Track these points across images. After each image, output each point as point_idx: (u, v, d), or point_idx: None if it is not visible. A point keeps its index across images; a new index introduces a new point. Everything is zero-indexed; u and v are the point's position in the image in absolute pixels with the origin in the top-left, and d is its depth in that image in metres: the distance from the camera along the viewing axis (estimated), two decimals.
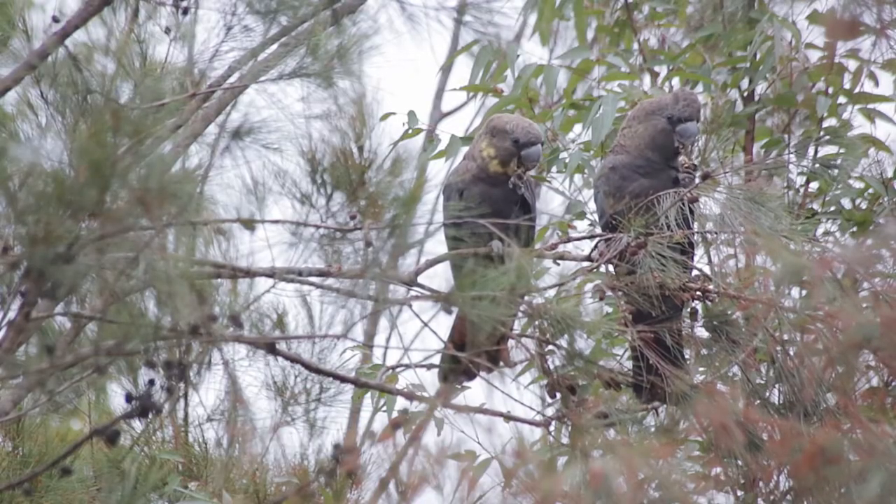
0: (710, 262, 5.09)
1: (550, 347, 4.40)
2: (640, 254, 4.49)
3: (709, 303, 4.59)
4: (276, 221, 4.08)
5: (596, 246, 4.65)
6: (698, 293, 4.56)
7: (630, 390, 4.68)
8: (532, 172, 4.83)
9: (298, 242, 4.11)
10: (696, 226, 4.64)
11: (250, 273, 3.99)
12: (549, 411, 4.47)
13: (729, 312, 4.59)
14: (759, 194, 4.50)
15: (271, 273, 4.06)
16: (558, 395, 4.39)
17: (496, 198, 4.76)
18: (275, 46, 4.66)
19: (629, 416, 4.39)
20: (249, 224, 3.94)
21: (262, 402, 5.45)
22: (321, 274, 4.11)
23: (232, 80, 4.71)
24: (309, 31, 4.63)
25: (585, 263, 4.66)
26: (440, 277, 4.39)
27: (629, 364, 4.75)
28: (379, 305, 4.11)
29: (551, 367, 4.42)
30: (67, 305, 3.72)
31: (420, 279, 4.30)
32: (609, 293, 4.56)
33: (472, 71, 5.80)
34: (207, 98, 4.74)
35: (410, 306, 4.23)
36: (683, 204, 4.55)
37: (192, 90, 4.57)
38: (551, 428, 4.48)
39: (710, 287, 4.59)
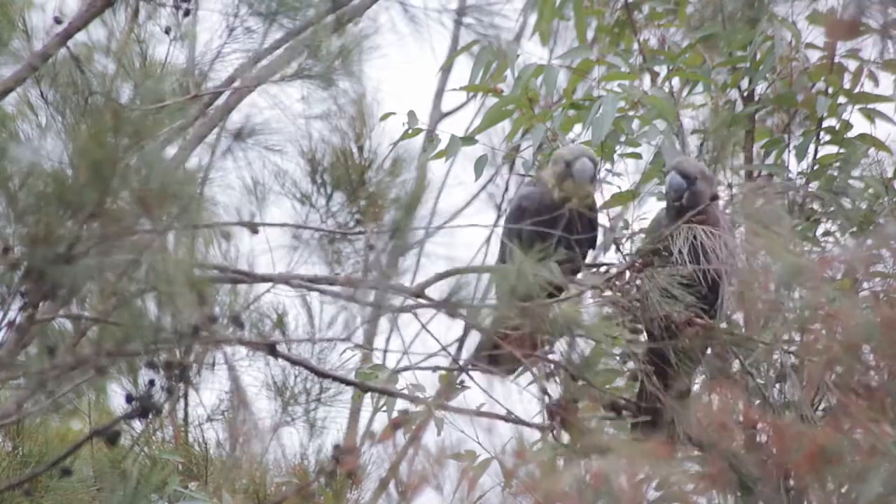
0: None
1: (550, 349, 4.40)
2: (645, 275, 4.53)
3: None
4: (280, 225, 4.07)
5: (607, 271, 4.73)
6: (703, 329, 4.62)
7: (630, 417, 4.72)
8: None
9: (301, 246, 4.11)
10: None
11: (258, 278, 3.99)
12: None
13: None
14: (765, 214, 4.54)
15: (277, 279, 4.05)
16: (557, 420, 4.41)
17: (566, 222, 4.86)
18: (280, 51, 4.66)
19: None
20: (253, 227, 3.94)
21: (263, 402, 5.45)
22: (329, 282, 4.11)
23: (237, 84, 4.72)
24: (313, 37, 4.63)
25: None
26: (441, 285, 4.39)
27: (629, 365, 4.76)
28: (383, 312, 4.11)
29: (551, 382, 4.43)
30: (69, 307, 3.71)
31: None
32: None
33: (472, 71, 5.79)
34: (212, 102, 4.74)
35: (416, 315, 4.23)
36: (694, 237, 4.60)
37: (193, 91, 4.57)
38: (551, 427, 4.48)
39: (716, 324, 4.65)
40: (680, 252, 4.59)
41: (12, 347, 3.62)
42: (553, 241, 4.71)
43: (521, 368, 4.74)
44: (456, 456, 5.27)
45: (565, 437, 4.41)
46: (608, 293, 4.65)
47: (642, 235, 4.95)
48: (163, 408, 3.71)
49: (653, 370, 4.60)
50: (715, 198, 4.71)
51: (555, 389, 4.48)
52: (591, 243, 4.97)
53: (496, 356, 4.58)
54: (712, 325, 4.65)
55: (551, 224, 4.87)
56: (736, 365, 4.69)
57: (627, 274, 4.65)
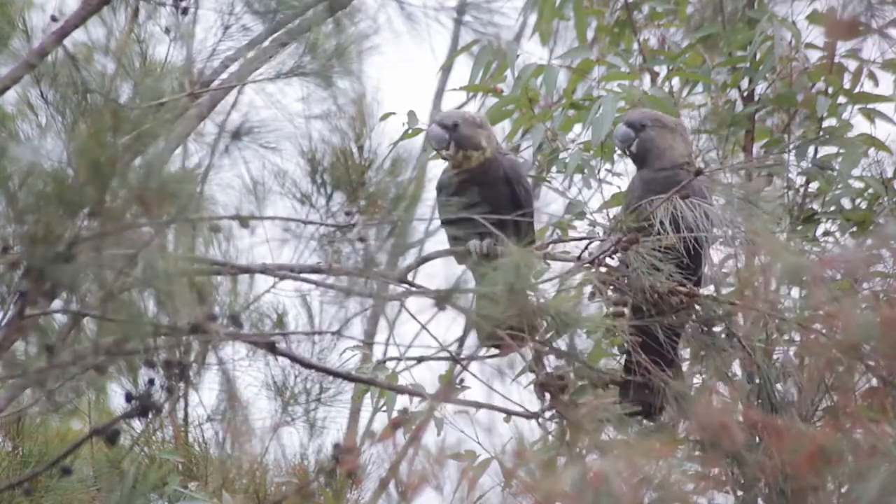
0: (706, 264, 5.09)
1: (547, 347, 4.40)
2: (630, 251, 4.52)
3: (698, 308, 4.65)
4: (272, 218, 4.07)
5: (587, 247, 4.69)
6: (687, 297, 4.61)
7: (619, 388, 4.70)
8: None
9: (294, 239, 4.11)
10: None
11: (244, 270, 3.99)
12: (548, 413, 4.48)
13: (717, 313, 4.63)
14: (754, 192, 4.53)
15: (264, 269, 4.05)
16: (547, 396, 4.40)
17: (482, 195, 4.79)
18: (269, 42, 4.65)
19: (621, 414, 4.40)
20: (245, 221, 3.94)
21: (262, 402, 5.45)
22: (315, 271, 4.11)
23: (225, 76, 4.72)
24: (306, 28, 4.63)
25: (574, 263, 4.68)
26: (439, 277, 4.39)
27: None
28: (376, 301, 4.11)
29: (545, 366, 4.42)
30: (66, 303, 3.72)
31: (419, 278, 4.30)
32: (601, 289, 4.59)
33: (471, 71, 5.80)
34: (200, 95, 4.74)
35: (402, 304, 4.23)
36: (675, 205, 4.59)
37: (191, 90, 4.57)
38: (549, 425, 4.48)
39: (700, 292, 4.64)
40: (661, 223, 4.57)
41: (6, 343, 3.62)
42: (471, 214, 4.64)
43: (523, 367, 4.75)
44: (456, 456, 5.28)
45: (557, 416, 4.40)
46: (593, 271, 4.64)
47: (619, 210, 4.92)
48: (163, 407, 3.70)
49: (639, 342, 4.58)
50: (699, 172, 4.68)
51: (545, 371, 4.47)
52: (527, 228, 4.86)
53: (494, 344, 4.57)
54: (696, 292, 4.64)
55: (460, 197, 4.80)
56: (722, 333, 4.69)
57: (611, 250, 4.63)
